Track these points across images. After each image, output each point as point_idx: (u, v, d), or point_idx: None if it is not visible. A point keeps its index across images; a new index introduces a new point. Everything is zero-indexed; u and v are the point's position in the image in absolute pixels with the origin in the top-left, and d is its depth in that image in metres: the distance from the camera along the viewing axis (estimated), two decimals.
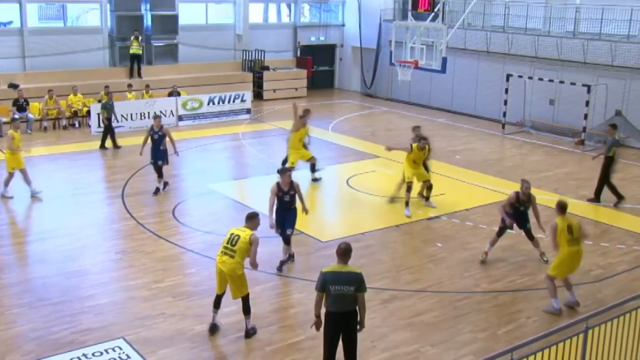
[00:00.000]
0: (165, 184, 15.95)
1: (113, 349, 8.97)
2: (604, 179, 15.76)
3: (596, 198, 15.89)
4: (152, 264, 11.79)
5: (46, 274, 11.29)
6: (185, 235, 13.29)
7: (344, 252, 7.83)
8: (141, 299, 10.48)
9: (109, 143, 19.99)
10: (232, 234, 9.25)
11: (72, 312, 9.96)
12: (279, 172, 12.00)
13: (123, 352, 8.91)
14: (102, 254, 12.27)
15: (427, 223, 14.28)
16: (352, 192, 16.43)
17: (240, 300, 9.35)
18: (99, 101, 22.72)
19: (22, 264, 11.79)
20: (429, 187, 15.21)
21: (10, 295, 10.57)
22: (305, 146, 16.64)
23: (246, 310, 9.39)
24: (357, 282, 7.76)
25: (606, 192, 15.79)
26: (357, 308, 7.91)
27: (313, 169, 16.83)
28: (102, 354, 8.85)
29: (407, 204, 14.75)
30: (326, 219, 14.74)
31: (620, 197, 15.69)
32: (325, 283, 7.71)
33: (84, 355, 8.81)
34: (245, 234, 9.17)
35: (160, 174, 15.80)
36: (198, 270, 11.66)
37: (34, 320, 9.72)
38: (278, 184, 11.67)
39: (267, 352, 9.09)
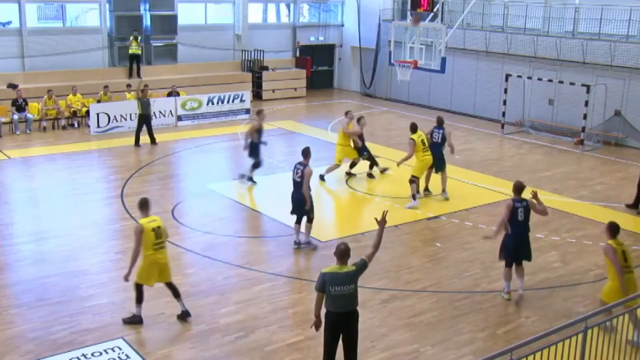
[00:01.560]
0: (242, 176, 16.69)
1: (112, 349, 8.97)
2: None
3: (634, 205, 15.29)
4: None
5: (45, 274, 11.28)
6: (185, 235, 13.28)
7: (343, 252, 7.81)
8: None
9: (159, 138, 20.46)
10: (153, 228, 9.48)
11: (71, 312, 9.95)
12: (303, 153, 12.67)
13: (122, 352, 8.91)
14: (101, 254, 12.26)
15: (426, 223, 14.28)
16: (352, 192, 16.43)
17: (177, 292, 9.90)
18: (98, 101, 22.75)
19: (20, 264, 11.77)
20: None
21: (8, 295, 10.57)
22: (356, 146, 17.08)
23: (177, 293, 9.83)
24: (355, 277, 7.79)
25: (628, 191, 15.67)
26: (357, 308, 7.91)
27: (353, 165, 17.24)
28: (101, 354, 8.85)
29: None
30: (326, 219, 14.72)
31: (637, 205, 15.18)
32: (325, 284, 7.71)
33: (84, 355, 8.81)
34: (160, 222, 9.68)
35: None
36: (197, 270, 11.65)
37: (32, 320, 9.71)
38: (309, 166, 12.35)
39: (267, 352, 9.08)
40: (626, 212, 15.17)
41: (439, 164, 15.64)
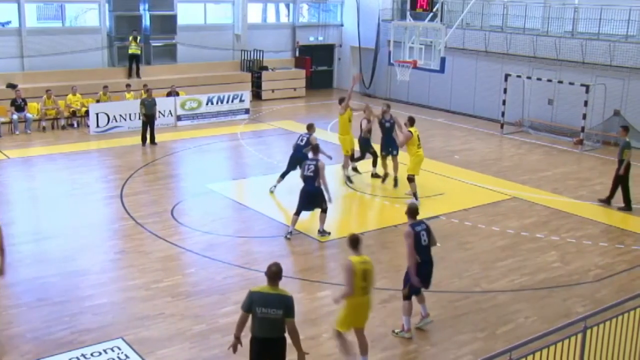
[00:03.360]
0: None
1: (112, 349, 8.96)
2: (617, 182, 15.27)
3: (607, 200, 15.52)
4: (150, 264, 11.78)
5: (45, 274, 11.27)
6: (184, 235, 13.28)
7: (274, 274, 7.28)
8: (140, 299, 10.47)
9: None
10: None
11: (70, 312, 9.95)
12: (312, 149, 13.44)
13: (122, 352, 8.90)
14: (101, 254, 12.26)
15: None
16: (352, 192, 16.43)
17: None
18: (98, 101, 22.73)
19: (20, 264, 11.74)
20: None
21: (8, 295, 10.55)
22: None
23: None
24: (285, 306, 7.22)
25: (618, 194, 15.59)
26: (284, 335, 7.38)
27: (352, 157, 17.25)
28: (100, 354, 8.84)
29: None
30: (326, 218, 14.72)
31: (628, 206, 15.23)
32: (252, 304, 7.25)
33: (83, 355, 8.81)
34: None
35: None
36: (197, 270, 11.65)
37: (32, 320, 9.71)
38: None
39: None
40: (627, 212, 15.18)
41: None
